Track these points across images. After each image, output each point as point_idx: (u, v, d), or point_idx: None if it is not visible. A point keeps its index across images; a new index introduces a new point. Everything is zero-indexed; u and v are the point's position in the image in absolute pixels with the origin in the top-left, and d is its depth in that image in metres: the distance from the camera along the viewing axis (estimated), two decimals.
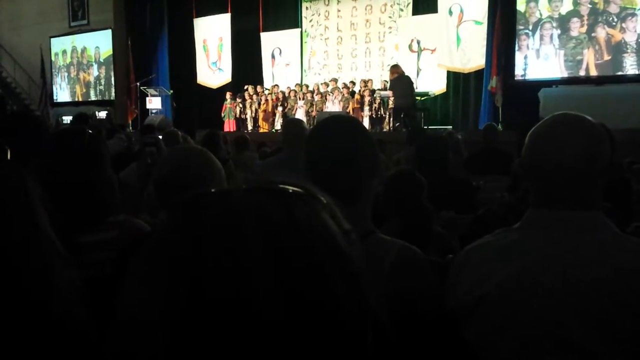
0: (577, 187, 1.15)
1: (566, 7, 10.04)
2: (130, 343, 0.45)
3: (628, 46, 9.52)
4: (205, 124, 10.02)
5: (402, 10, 12.94)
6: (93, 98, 15.97)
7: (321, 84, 12.72)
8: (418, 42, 12.20)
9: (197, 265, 0.43)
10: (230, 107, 13.52)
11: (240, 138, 6.02)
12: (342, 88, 12.18)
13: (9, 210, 0.93)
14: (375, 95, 11.72)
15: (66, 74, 16.65)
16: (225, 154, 4.99)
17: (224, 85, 14.53)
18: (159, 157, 2.73)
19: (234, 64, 14.55)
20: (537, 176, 1.19)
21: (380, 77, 12.59)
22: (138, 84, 14.20)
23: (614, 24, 9.59)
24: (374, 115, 11.64)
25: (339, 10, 13.77)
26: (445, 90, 12.12)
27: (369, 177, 1.27)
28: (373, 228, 1.26)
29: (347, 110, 11.44)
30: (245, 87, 13.51)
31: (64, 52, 16.47)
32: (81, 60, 16.19)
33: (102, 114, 12.37)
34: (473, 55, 11.50)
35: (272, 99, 13.05)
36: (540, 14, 10.27)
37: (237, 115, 13.40)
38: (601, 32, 9.69)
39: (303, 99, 12.54)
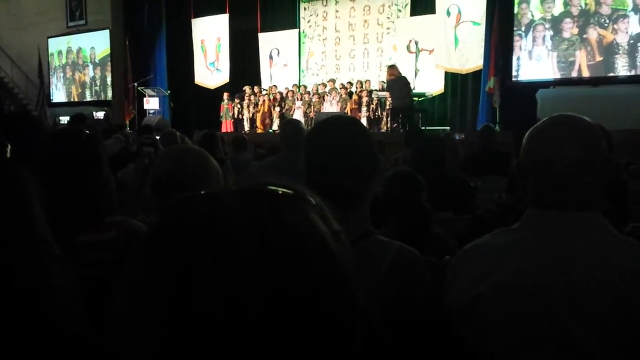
0: (575, 188, 1.15)
1: (558, 8, 10.03)
2: (121, 343, 0.45)
3: (620, 47, 9.52)
4: (203, 125, 10.03)
5: (400, 11, 12.95)
6: (89, 98, 15.97)
7: (319, 84, 12.73)
8: (416, 43, 12.20)
9: (184, 266, 0.43)
10: (227, 108, 13.52)
11: (238, 139, 6.03)
12: (340, 89, 12.18)
13: (6, 209, 0.92)
14: (372, 96, 11.73)
15: (62, 74, 16.64)
16: (223, 155, 4.99)
17: (221, 86, 14.53)
18: (156, 158, 2.72)
19: (232, 64, 14.56)
20: (535, 177, 1.19)
21: (378, 78, 12.58)
22: (136, 84, 14.18)
23: (605, 25, 9.58)
24: (371, 116, 11.64)
25: (337, 11, 13.77)
26: (443, 91, 12.13)
27: (371, 179, 1.27)
28: (372, 229, 1.26)
29: (345, 111, 11.42)
30: (243, 87, 13.52)
31: (60, 52, 16.47)
32: (76, 60, 16.19)
33: (100, 115, 12.39)
34: (471, 56, 11.52)
35: (269, 100, 13.04)
36: (532, 15, 10.27)
37: (235, 116, 13.40)
38: (593, 34, 9.68)
39: (301, 99, 12.53)
